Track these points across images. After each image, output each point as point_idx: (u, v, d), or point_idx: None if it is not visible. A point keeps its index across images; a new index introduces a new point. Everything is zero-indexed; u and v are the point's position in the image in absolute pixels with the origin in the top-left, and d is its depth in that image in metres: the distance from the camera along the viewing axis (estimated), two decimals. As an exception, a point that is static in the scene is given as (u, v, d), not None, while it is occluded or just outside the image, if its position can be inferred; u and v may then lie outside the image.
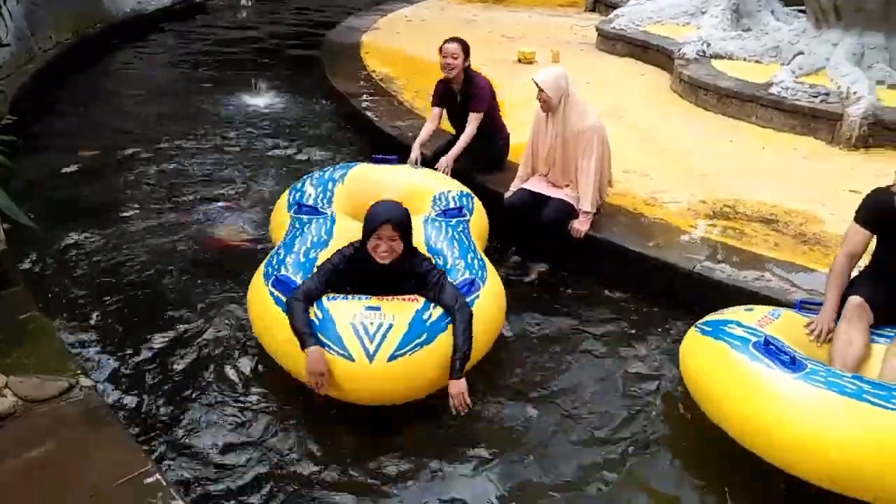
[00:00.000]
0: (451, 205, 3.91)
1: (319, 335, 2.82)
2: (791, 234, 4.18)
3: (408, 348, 2.82)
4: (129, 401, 3.06)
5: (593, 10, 10.63)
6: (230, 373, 3.25)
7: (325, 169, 4.17)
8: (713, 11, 7.96)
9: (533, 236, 4.25)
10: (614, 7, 9.59)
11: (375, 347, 2.78)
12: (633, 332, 3.69)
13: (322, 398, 2.88)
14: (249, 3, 11.59)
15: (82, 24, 8.43)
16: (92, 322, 3.57)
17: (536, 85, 3.98)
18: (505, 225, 4.36)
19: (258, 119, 6.52)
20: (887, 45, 6.08)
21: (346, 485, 2.70)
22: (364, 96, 6.45)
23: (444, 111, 4.76)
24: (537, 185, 4.30)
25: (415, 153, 4.52)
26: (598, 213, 4.20)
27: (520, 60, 7.70)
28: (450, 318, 2.94)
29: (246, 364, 3.30)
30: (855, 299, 2.88)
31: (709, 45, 6.95)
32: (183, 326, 3.55)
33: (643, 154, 5.21)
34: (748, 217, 4.36)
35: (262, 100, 7.07)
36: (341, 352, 2.79)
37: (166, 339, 3.47)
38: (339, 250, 3.11)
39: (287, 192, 3.98)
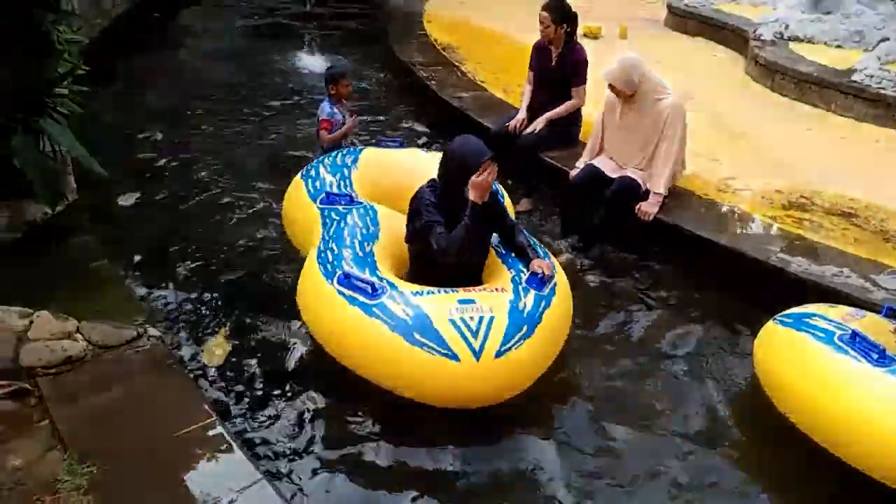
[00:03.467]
0: None
1: (415, 335, 2.57)
2: (872, 229, 3.97)
3: (512, 342, 2.63)
4: (194, 352, 3.08)
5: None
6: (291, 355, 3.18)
7: (330, 154, 3.87)
8: (793, -7, 7.62)
9: (596, 215, 4.15)
10: (686, -16, 9.25)
11: (481, 344, 2.57)
12: (701, 323, 3.55)
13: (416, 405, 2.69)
14: None
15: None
16: (161, 273, 3.61)
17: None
18: (568, 202, 4.27)
19: (317, 89, 6.48)
20: (984, 35, 5.72)
21: (413, 475, 2.58)
22: (427, 66, 6.35)
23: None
24: (605, 164, 4.18)
25: (522, 114, 4.68)
26: (668, 197, 4.06)
27: (585, 35, 7.48)
28: (544, 304, 2.84)
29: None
30: None
31: (787, 26, 6.64)
32: (250, 283, 3.57)
33: (715, 138, 5.02)
34: (826, 210, 4.16)
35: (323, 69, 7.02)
36: (444, 352, 2.54)
37: (234, 291, 3.50)
38: (419, 194, 2.97)
39: (299, 181, 3.66)
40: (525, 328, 2.68)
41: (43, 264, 3.17)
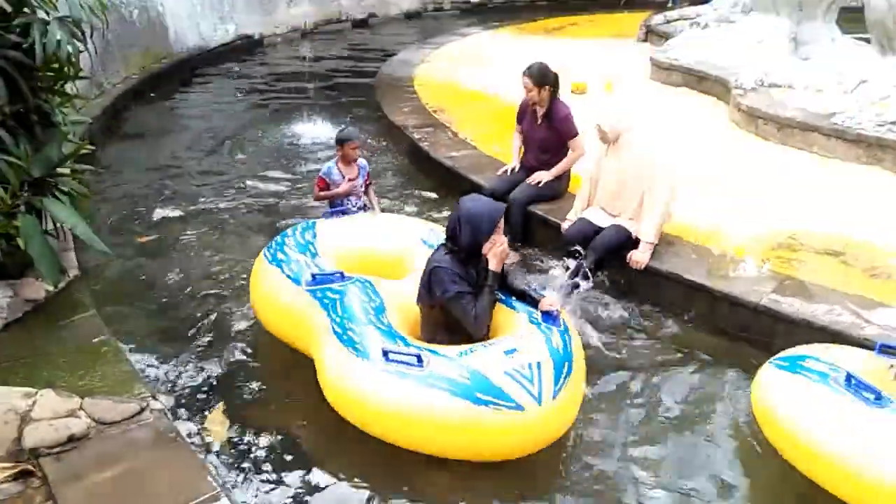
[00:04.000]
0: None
1: (478, 395, 2.61)
2: (860, 267, 4.03)
3: (562, 382, 2.77)
4: (197, 424, 3.11)
5: (645, 41, 10.58)
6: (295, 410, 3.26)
7: (284, 234, 3.72)
8: (770, 40, 7.86)
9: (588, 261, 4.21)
10: (667, 38, 9.54)
11: (539, 389, 2.67)
12: (697, 365, 3.60)
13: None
14: (299, 41, 11.87)
15: (148, 60, 8.81)
16: (162, 346, 3.66)
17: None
18: (563, 256, 4.35)
19: (313, 154, 6.66)
20: (957, 73, 5.89)
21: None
22: (419, 128, 6.54)
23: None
24: (596, 216, 4.29)
25: (514, 162, 5.04)
26: (658, 244, 4.14)
27: (572, 92, 7.71)
28: (569, 339, 3.00)
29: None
30: None
31: (767, 73, 6.83)
32: (248, 358, 3.61)
33: (702, 184, 5.12)
34: (814, 249, 4.23)
35: (320, 136, 7.21)
36: (510, 405, 2.61)
37: (234, 364, 3.53)
38: (437, 262, 2.98)
39: (270, 267, 3.47)
40: (566, 365, 2.85)
41: (45, 342, 3.23)
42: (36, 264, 3.26)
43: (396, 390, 2.69)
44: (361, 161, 4.76)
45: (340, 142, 4.61)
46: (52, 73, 3.48)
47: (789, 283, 3.83)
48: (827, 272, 3.96)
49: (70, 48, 3.26)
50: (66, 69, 3.48)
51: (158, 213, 5.26)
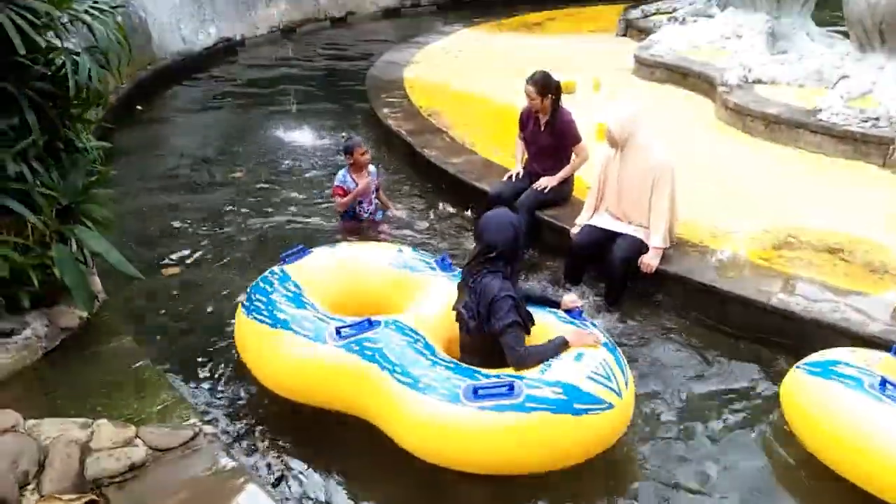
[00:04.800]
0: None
1: (576, 405, 2.76)
2: (859, 263, 4.25)
3: (625, 370, 3.07)
4: (245, 450, 3.19)
5: (625, 35, 10.76)
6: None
7: (261, 290, 3.45)
8: (749, 35, 8.08)
9: (602, 273, 4.37)
10: (646, 32, 9.72)
11: (616, 384, 2.92)
12: (712, 367, 3.77)
13: None
14: (283, 38, 11.87)
15: (133, 68, 8.71)
16: (201, 368, 3.72)
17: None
18: (572, 263, 4.49)
19: (306, 159, 6.71)
20: (933, 68, 6.15)
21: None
22: (416, 134, 6.62)
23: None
24: (604, 221, 4.43)
25: (518, 168, 5.15)
26: (669, 248, 4.30)
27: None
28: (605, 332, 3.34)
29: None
30: None
31: (750, 70, 7.04)
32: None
33: (698, 184, 5.29)
34: (814, 247, 4.44)
35: (310, 140, 7.25)
36: (603, 406, 2.82)
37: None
38: (497, 290, 2.97)
39: (272, 332, 3.22)
40: (619, 355, 3.13)
41: (87, 369, 3.28)
42: (73, 293, 3.29)
43: (500, 422, 2.72)
44: (371, 167, 4.96)
45: (349, 150, 4.84)
46: (77, 102, 3.50)
47: (795, 282, 4.02)
48: (829, 269, 4.16)
49: (99, 78, 3.29)
50: (91, 97, 3.50)
51: (166, 235, 5.28)
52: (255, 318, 3.32)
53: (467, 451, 2.81)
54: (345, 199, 4.92)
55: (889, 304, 3.77)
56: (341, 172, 4.97)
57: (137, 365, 3.30)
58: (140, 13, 9.07)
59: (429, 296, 3.47)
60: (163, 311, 4.25)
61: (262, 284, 3.51)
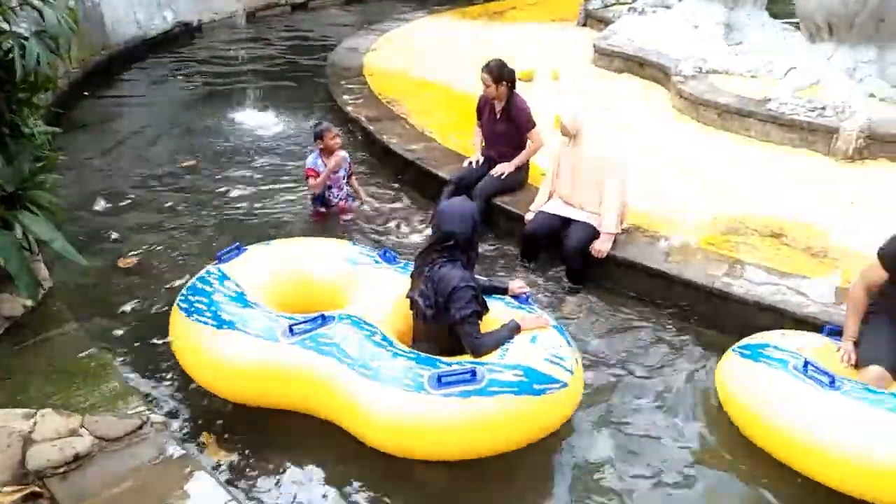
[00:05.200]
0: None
1: (535, 386, 2.86)
2: (800, 247, 4.39)
3: (575, 350, 3.20)
4: (194, 438, 3.18)
5: (584, 25, 10.84)
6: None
7: (199, 290, 3.38)
8: (705, 26, 8.22)
9: (557, 256, 4.45)
10: (606, 22, 9.80)
11: (568, 363, 3.03)
12: (659, 349, 3.87)
13: None
14: (242, 22, 11.69)
15: (85, 52, 8.51)
16: (150, 356, 3.67)
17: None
18: (527, 248, 4.56)
19: (267, 145, 6.64)
20: (878, 59, 6.33)
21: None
22: (375, 121, 6.60)
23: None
24: (557, 207, 4.50)
25: (477, 155, 5.21)
26: (620, 234, 4.39)
27: (520, 79, 7.87)
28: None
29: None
30: (876, 370, 2.95)
31: (705, 60, 7.17)
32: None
33: (651, 171, 5.40)
34: (759, 232, 4.57)
35: (272, 126, 7.19)
36: (556, 385, 2.92)
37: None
38: (458, 280, 2.99)
39: (213, 335, 3.14)
40: (566, 335, 3.24)
41: (31, 359, 3.22)
42: (15, 280, 3.22)
43: (466, 408, 2.78)
44: (342, 152, 4.97)
45: (319, 135, 4.87)
46: (25, 86, 3.42)
47: (738, 266, 4.14)
48: (771, 253, 4.29)
49: (48, 62, 3.22)
50: (39, 82, 3.43)
51: (117, 219, 5.19)
52: (198, 319, 3.22)
53: (435, 439, 2.84)
54: (318, 179, 4.91)
55: (830, 286, 3.90)
56: (312, 155, 4.97)
57: (84, 354, 3.26)
58: (93, -4, 8.84)
59: (375, 289, 3.46)
60: (114, 300, 4.18)
61: (199, 285, 3.41)
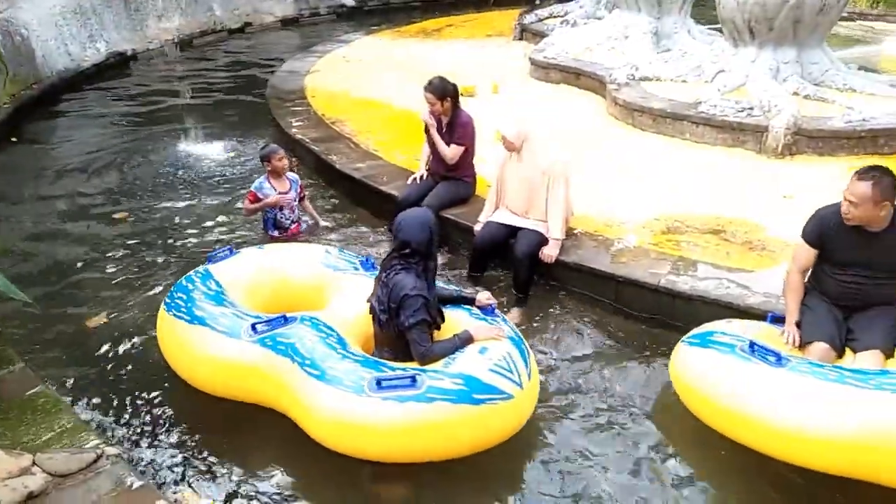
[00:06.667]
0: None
1: (475, 396, 2.85)
2: (739, 242, 4.57)
3: (529, 364, 3.15)
4: (156, 463, 3.13)
5: (521, 39, 11.09)
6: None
7: (184, 288, 3.54)
8: (635, 35, 8.53)
9: (506, 265, 4.53)
10: (541, 36, 10.05)
11: (517, 376, 3.01)
12: (611, 348, 3.98)
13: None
14: (176, 51, 11.52)
15: (16, 87, 8.29)
16: (102, 389, 3.60)
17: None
18: (476, 257, 4.63)
19: (214, 172, 6.58)
20: (798, 59, 6.68)
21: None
22: (320, 142, 6.61)
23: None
24: (505, 217, 4.59)
25: (422, 170, 5.31)
26: (566, 239, 4.50)
27: (462, 94, 8.00)
28: (513, 327, 3.46)
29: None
30: (819, 346, 3.11)
31: (637, 68, 7.43)
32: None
33: (593, 178, 5.55)
34: (699, 230, 4.74)
35: (215, 153, 7.11)
36: (500, 397, 2.90)
37: (173, 399, 3.53)
38: (409, 289, 3.03)
39: (187, 330, 3.32)
40: (524, 348, 3.22)
41: (-24, 401, 3.12)
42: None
43: (402, 412, 2.81)
44: (292, 174, 4.95)
45: (266, 157, 4.82)
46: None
47: (682, 264, 4.29)
48: (712, 249, 4.46)
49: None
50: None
51: (56, 252, 5.06)
52: (175, 314, 3.42)
53: (371, 440, 2.89)
54: (252, 205, 4.81)
55: (771, 277, 4.06)
56: (259, 179, 4.87)
57: (32, 391, 3.17)
58: (22, 31, 8.62)
59: (349, 294, 3.55)
60: (61, 336, 4.07)
61: (184, 283, 3.61)
